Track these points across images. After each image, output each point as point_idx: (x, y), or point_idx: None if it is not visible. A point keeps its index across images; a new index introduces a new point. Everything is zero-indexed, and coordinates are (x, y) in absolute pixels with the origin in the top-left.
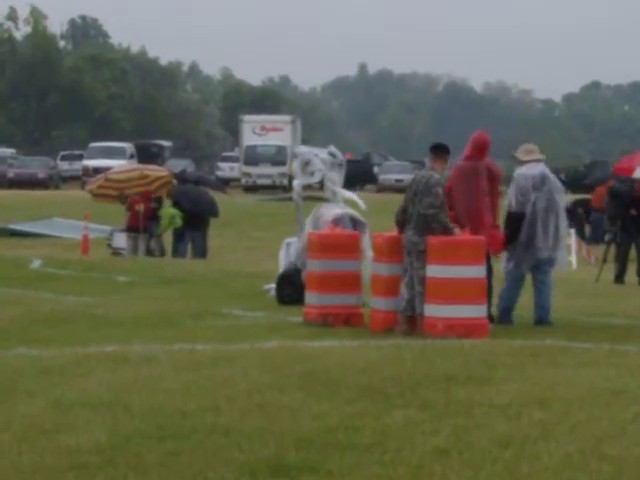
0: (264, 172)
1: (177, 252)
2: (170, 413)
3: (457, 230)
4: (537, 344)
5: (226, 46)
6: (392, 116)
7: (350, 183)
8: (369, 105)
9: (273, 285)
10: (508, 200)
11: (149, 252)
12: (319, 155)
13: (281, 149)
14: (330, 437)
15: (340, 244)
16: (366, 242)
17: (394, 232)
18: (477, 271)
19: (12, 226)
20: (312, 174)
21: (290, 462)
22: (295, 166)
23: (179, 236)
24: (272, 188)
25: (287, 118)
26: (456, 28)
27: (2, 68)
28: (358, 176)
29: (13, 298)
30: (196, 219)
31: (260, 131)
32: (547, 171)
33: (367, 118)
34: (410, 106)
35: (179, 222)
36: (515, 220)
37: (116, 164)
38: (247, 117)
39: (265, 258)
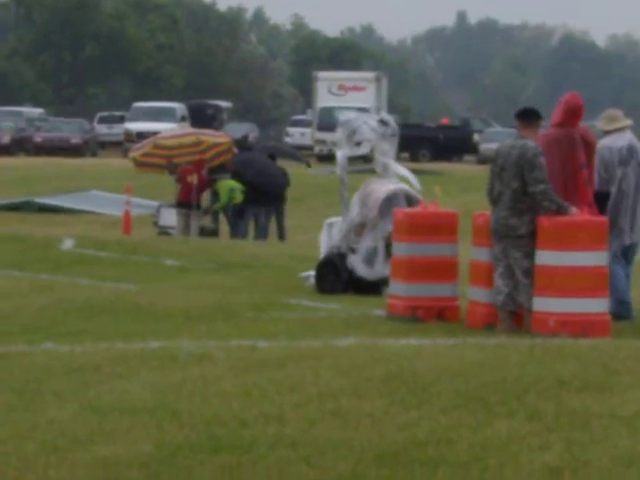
0: None
1: (236, 232)
2: (226, 421)
3: (573, 209)
4: None
5: None
6: (497, 75)
7: (446, 152)
8: (469, 61)
9: (312, 272)
10: None
11: (203, 232)
12: (368, 123)
13: (362, 112)
14: (418, 451)
15: (433, 224)
16: None
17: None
18: (598, 258)
19: (40, 200)
20: (359, 145)
21: None
22: (339, 135)
23: (239, 213)
24: (350, 158)
25: (370, 75)
26: None
27: (29, 14)
28: (455, 145)
29: (41, 285)
30: (260, 193)
31: (337, 90)
32: (636, 141)
33: (467, 76)
34: (518, 63)
35: (239, 197)
36: (599, 200)
37: (164, 128)
38: (322, 74)
39: None
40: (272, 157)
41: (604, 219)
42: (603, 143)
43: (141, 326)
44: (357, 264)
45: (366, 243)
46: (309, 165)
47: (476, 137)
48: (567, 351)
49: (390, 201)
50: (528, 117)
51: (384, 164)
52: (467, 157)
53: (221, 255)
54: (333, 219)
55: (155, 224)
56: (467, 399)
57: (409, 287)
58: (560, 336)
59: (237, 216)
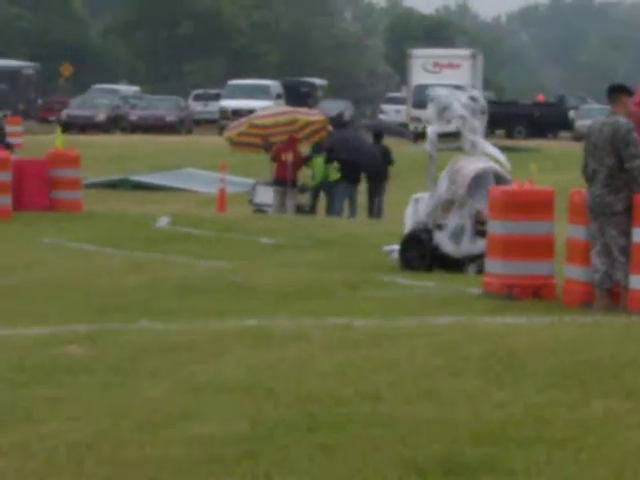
0: None
1: (332, 209)
2: (322, 400)
3: None
4: None
5: None
6: (592, 51)
7: (542, 129)
8: (564, 38)
9: (395, 247)
10: None
11: (299, 209)
12: (460, 99)
13: (458, 89)
14: (514, 430)
15: (529, 202)
16: None
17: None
18: None
19: (135, 177)
20: (449, 121)
21: (466, 459)
22: (430, 111)
23: (334, 191)
24: (446, 135)
25: (466, 52)
26: None
27: None
28: (551, 122)
29: (136, 262)
30: (355, 171)
31: (433, 68)
32: None
33: (562, 53)
34: (615, 40)
35: (335, 174)
36: None
37: (259, 105)
38: (417, 51)
39: None
40: (378, 135)
41: None
42: None
43: (235, 304)
44: (443, 241)
45: (454, 220)
46: (413, 139)
47: (572, 114)
48: None
49: (479, 179)
50: (617, 93)
51: (472, 141)
52: (563, 134)
53: (316, 233)
54: (419, 194)
55: (250, 202)
56: (563, 377)
57: (505, 265)
58: None
59: (332, 194)
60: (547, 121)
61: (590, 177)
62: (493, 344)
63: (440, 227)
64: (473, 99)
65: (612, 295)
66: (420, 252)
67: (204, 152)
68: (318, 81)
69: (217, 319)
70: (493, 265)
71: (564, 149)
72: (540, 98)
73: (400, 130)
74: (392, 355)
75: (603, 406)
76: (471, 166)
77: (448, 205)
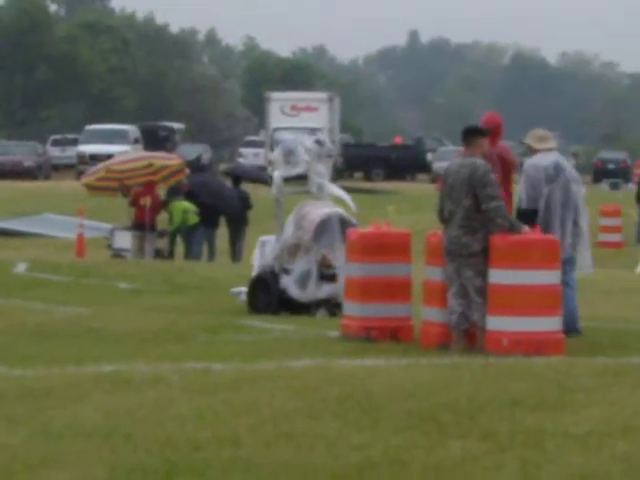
0: None
1: (190, 254)
2: (180, 444)
3: (525, 227)
4: (622, 363)
5: (249, 10)
6: (449, 93)
7: (399, 172)
8: (421, 80)
9: (243, 289)
10: (518, 195)
11: (157, 254)
12: (304, 143)
13: (315, 132)
14: (372, 473)
15: (386, 244)
16: None
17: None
18: (551, 277)
19: None
20: (295, 165)
21: None
22: (276, 155)
23: (193, 235)
24: (305, 178)
25: (323, 95)
26: None
27: None
28: (408, 164)
29: None
30: (213, 215)
31: (290, 111)
32: (562, 159)
33: (419, 95)
34: (470, 81)
35: (194, 218)
36: (526, 217)
37: (117, 150)
38: (275, 94)
39: None
40: (237, 179)
41: (555, 239)
42: (530, 162)
43: (94, 349)
44: (290, 285)
45: (300, 265)
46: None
47: (429, 156)
48: (521, 370)
49: (324, 224)
50: (473, 135)
51: (319, 184)
52: (420, 176)
53: (174, 277)
54: (266, 237)
55: (109, 247)
56: (420, 419)
57: (363, 307)
58: (514, 355)
59: (191, 238)
60: (405, 163)
61: (447, 218)
62: (351, 387)
63: (286, 271)
64: (319, 143)
65: (469, 336)
66: (267, 295)
67: (62, 197)
68: (176, 125)
69: (75, 365)
70: (351, 307)
71: (422, 191)
72: (397, 140)
73: (258, 174)
74: (251, 398)
75: (460, 448)
76: (317, 211)
77: (294, 249)
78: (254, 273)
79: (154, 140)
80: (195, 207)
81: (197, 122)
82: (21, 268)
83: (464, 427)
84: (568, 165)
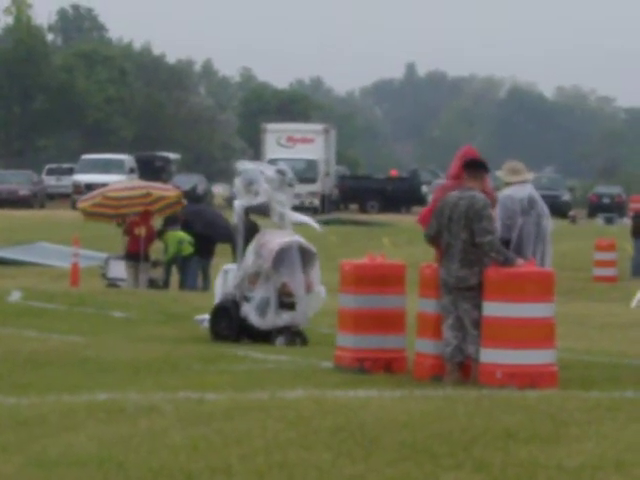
0: None
1: (185, 284)
2: (173, 474)
3: (519, 260)
4: (616, 396)
5: (246, 42)
6: (445, 126)
7: (395, 204)
8: (418, 113)
9: (206, 316)
10: None
11: (152, 284)
12: (265, 173)
13: (311, 164)
14: None
15: (380, 276)
16: (315, 275)
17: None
18: (545, 309)
19: None
20: (256, 194)
21: None
22: (237, 185)
23: (188, 265)
24: (300, 210)
25: (319, 127)
26: (521, 21)
27: None
28: (404, 196)
29: None
30: (209, 245)
31: (286, 142)
32: (535, 193)
33: (415, 128)
34: (467, 115)
35: (188, 248)
36: None
37: (113, 180)
38: (271, 126)
39: None
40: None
41: (550, 271)
42: (506, 193)
43: (88, 378)
44: (250, 312)
45: (259, 293)
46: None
47: (424, 188)
48: (514, 402)
49: (284, 253)
50: (475, 168)
51: (281, 213)
52: (415, 208)
53: (169, 307)
54: (229, 266)
55: (103, 276)
56: (414, 451)
57: (356, 339)
58: (508, 388)
59: (185, 268)
60: (400, 195)
61: (444, 251)
62: (344, 417)
63: (247, 299)
64: (280, 173)
65: (463, 368)
66: (228, 323)
67: (57, 226)
68: (172, 155)
69: (69, 393)
70: (344, 339)
71: (417, 223)
72: (393, 173)
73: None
74: (244, 428)
75: (454, 479)
76: (277, 240)
77: (254, 278)
78: (216, 301)
79: (150, 170)
80: (190, 237)
81: (193, 152)
82: (15, 296)
83: (458, 458)
84: (540, 199)
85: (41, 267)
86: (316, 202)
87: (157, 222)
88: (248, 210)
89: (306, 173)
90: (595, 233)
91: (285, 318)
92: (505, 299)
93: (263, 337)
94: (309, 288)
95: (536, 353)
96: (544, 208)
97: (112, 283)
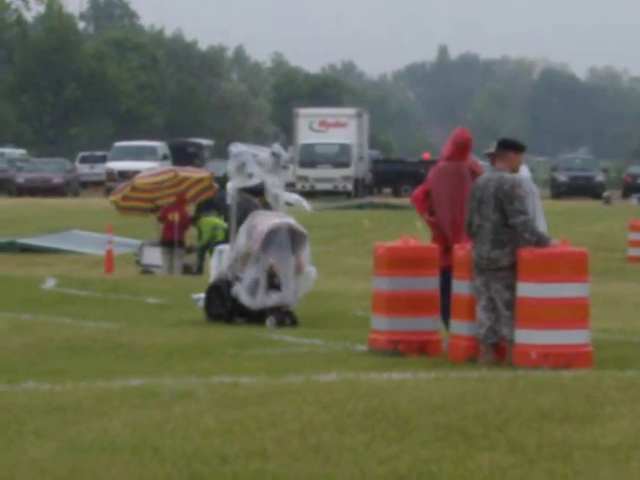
0: (324, 175)
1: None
2: (207, 458)
3: (554, 240)
4: None
5: (277, 27)
6: (478, 109)
7: None
8: (450, 96)
9: (202, 295)
10: None
11: (186, 270)
12: (259, 156)
13: (344, 148)
14: None
15: (413, 258)
16: (305, 256)
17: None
18: (579, 289)
19: (22, 240)
20: (250, 176)
21: None
22: (230, 167)
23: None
24: (333, 194)
25: (351, 111)
26: (552, 2)
27: (11, 55)
28: None
29: (22, 324)
30: None
31: (319, 127)
32: (529, 174)
33: (448, 111)
34: (500, 97)
35: (222, 234)
36: None
37: (146, 167)
38: (303, 110)
39: (325, 276)
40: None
41: (584, 251)
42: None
43: (122, 364)
44: (242, 293)
45: (250, 274)
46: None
47: None
48: (549, 383)
49: (273, 234)
50: (504, 149)
51: (275, 195)
52: None
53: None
54: (223, 246)
55: (137, 263)
56: (448, 432)
57: (390, 321)
58: (542, 368)
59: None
60: None
61: (475, 233)
62: (379, 400)
63: (239, 279)
64: (275, 155)
65: (497, 350)
66: (221, 302)
67: (91, 214)
68: (205, 141)
69: (104, 379)
70: (378, 322)
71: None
72: (426, 156)
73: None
74: (278, 412)
75: (488, 460)
76: (267, 222)
77: (246, 258)
78: (210, 281)
79: (183, 156)
80: (224, 223)
81: (226, 139)
82: (50, 284)
83: (492, 439)
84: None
85: (75, 255)
86: (349, 186)
87: (191, 209)
88: (241, 191)
89: (339, 157)
90: (629, 213)
91: (274, 298)
92: (539, 279)
93: (256, 317)
94: (299, 269)
95: (571, 333)
96: (534, 187)
97: (146, 270)
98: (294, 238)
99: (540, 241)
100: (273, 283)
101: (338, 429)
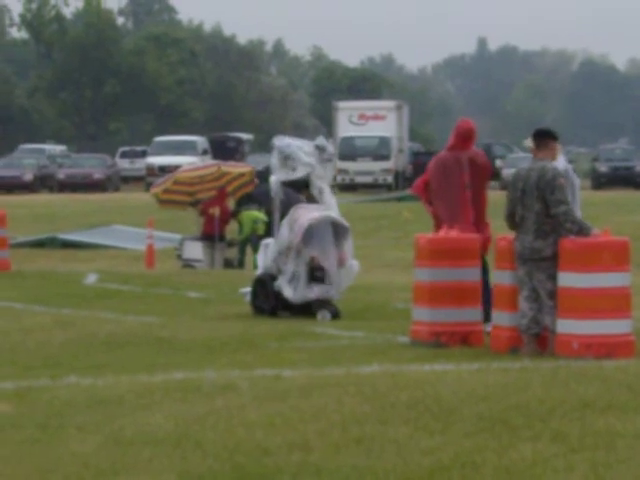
0: (363, 168)
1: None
2: (250, 450)
3: (595, 230)
4: None
5: (317, 21)
6: (518, 100)
7: None
8: (490, 88)
9: (249, 289)
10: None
11: (227, 264)
12: (303, 148)
13: (384, 141)
14: (443, 476)
15: (455, 249)
16: (348, 249)
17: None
18: (621, 279)
19: (63, 236)
20: (294, 169)
21: None
22: (273, 160)
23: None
24: (373, 187)
25: (391, 104)
26: None
27: (50, 52)
28: None
29: (64, 319)
30: None
31: (358, 120)
32: (569, 165)
33: (488, 103)
34: (539, 89)
35: (262, 228)
36: None
37: (186, 161)
38: (343, 104)
39: (366, 269)
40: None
41: (625, 240)
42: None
43: (164, 358)
44: (284, 286)
45: (291, 267)
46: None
47: (498, 163)
48: (591, 373)
49: (314, 228)
50: (543, 138)
51: (320, 188)
52: (490, 183)
53: (244, 286)
54: (270, 240)
55: (179, 257)
56: (491, 423)
57: (432, 312)
58: (584, 358)
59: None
60: None
61: (518, 223)
62: (421, 391)
63: (281, 272)
64: (320, 148)
65: (540, 340)
66: (265, 296)
67: (132, 209)
68: (245, 136)
69: (145, 373)
70: (420, 313)
71: (491, 198)
72: None
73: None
74: (320, 404)
75: (531, 450)
76: (308, 215)
77: (288, 251)
78: (257, 273)
79: (223, 151)
80: (264, 216)
81: (265, 133)
82: (91, 279)
83: (535, 430)
84: (572, 170)
85: (116, 250)
86: (389, 179)
87: (231, 203)
88: (285, 185)
89: (379, 150)
90: None
91: (316, 291)
92: (581, 269)
93: (300, 311)
94: (342, 262)
95: (613, 323)
96: (576, 179)
97: (187, 264)
98: (336, 231)
99: (581, 231)
100: (315, 276)
101: (380, 421)
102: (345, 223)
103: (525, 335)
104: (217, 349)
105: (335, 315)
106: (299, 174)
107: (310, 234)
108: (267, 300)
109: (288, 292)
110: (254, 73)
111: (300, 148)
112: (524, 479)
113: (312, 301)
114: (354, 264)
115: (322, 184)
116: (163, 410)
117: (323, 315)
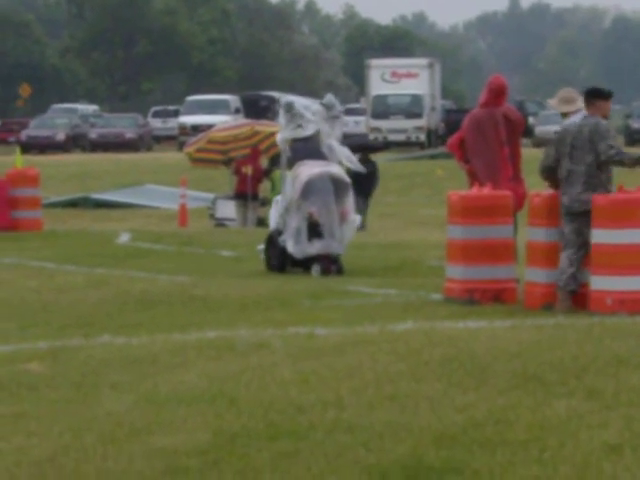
0: (396, 126)
1: None
2: (284, 408)
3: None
4: None
5: None
6: (550, 57)
7: None
8: (522, 45)
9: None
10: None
11: (260, 222)
12: (310, 107)
13: (416, 98)
14: (477, 433)
15: (487, 206)
16: (349, 204)
17: (551, 191)
18: None
19: (96, 195)
20: (300, 127)
21: (429, 462)
22: (280, 118)
23: None
24: (406, 145)
25: (423, 62)
26: None
27: (81, 12)
28: None
29: (97, 279)
30: None
31: (391, 78)
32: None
33: (520, 60)
34: (572, 45)
35: None
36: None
37: (219, 120)
38: (375, 62)
39: (400, 227)
40: (362, 150)
41: None
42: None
43: (197, 317)
44: (288, 241)
45: (293, 223)
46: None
47: (531, 120)
48: (625, 329)
49: (313, 183)
50: (593, 96)
51: (329, 145)
52: (522, 140)
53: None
54: (280, 197)
55: (211, 216)
56: (525, 379)
57: (465, 270)
58: (618, 314)
59: None
60: None
61: (565, 178)
62: (455, 349)
63: (287, 228)
64: (327, 106)
65: (576, 297)
66: (273, 252)
67: (164, 168)
68: (277, 95)
69: (179, 332)
70: (453, 270)
71: (524, 155)
72: None
73: (381, 145)
74: (354, 362)
75: (565, 407)
76: (307, 171)
77: (290, 207)
78: (269, 231)
79: (255, 110)
80: None
81: (298, 91)
82: (124, 238)
83: (569, 386)
84: None
85: (149, 209)
86: (422, 137)
87: (264, 162)
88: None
89: (411, 108)
90: None
91: (317, 246)
92: (614, 225)
93: (303, 265)
94: (343, 217)
95: None
96: None
97: (220, 223)
98: (337, 187)
99: (638, 161)
100: (317, 231)
101: (414, 378)
102: (346, 178)
103: (562, 292)
104: (250, 307)
105: (339, 271)
106: (306, 132)
107: (309, 189)
108: (275, 256)
109: (291, 247)
110: (286, 32)
111: (307, 107)
112: (558, 435)
113: (309, 256)
114: (356, 219)
115: (331, 141)
116: (197, 369)
117: (316, 269)
